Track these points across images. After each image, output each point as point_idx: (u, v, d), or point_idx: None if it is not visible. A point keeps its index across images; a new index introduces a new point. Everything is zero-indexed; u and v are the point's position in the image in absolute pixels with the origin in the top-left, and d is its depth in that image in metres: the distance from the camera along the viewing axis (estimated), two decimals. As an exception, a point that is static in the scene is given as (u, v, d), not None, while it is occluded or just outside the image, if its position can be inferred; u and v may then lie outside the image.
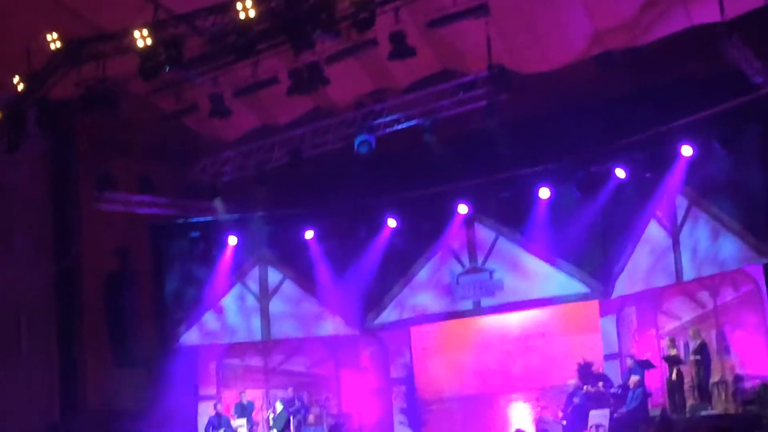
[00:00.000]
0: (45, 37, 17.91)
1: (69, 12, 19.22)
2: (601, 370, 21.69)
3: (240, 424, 22.91)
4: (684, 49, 19.58)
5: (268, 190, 23.58)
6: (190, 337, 24.75)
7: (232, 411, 23.29)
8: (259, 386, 25.10)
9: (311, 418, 23.19)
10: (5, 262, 21.52)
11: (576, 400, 20.63)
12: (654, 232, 21.31)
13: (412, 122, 21.07)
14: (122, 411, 22.57)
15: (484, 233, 23.68)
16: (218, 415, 22.95)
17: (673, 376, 19.94)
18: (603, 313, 22.56)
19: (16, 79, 18.66)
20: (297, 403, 23.53)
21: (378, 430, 23.72)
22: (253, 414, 23.56)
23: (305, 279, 24.89)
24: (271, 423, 22.86)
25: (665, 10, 18.92)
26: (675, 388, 19.94)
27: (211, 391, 24.79)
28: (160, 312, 24.77)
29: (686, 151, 19.94)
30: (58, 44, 17.92)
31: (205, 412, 23.79)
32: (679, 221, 20.91)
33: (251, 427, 23.09)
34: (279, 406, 22.95)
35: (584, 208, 21.73)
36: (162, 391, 23.40)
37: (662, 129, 19.87)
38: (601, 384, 20.69)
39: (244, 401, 23.38)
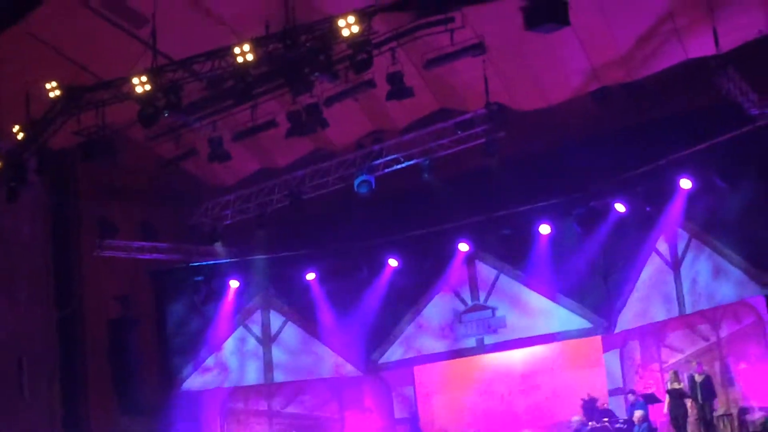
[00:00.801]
0: (44, 85, 17.98)
1: (67, 60, 19.33)
2: (605, 406, 21.61)
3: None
4: (680, 82, 19.69)
5: (268, 232, 23.64)
6: (194, 381, 24.67)
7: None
8: (263, 430, 25.00)
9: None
10: (7, 309, 21.49)
11: (582, 436, 20.58)
12: (655, 265, 21.33)
13: (412, 162, 21.20)
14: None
15: (485, 271, 23.69)
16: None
17: (678, 410, 19.85)
18: (606, 348, 22.52)
19: (16, 127, 18.73)
20: (302, 446, 23.49)
21: (384, 471, 23.62)
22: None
23: (307, 320, 24.86)
24: None
25: (660, 44, 19.01)
26: (680, 421, 19.86)
27: (216, 435, 24.72)
28: (163, 357, 24.72)
29: (685, 184, 20.00)
30: (58, 92, 17.99)
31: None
32: (679, 254, 20.93)
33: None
34: None
35: (585, 244, 21.76)
36: (167, 436, 23.32)
37: (661, 163, 19.93)
38: (606, 419, 20.62)
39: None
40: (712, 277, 20.27)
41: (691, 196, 20.19)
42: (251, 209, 23.25)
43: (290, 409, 25.28)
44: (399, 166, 21.31)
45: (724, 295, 20.13)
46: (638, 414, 19.86)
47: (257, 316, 25.15)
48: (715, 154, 19.18)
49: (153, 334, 24.63)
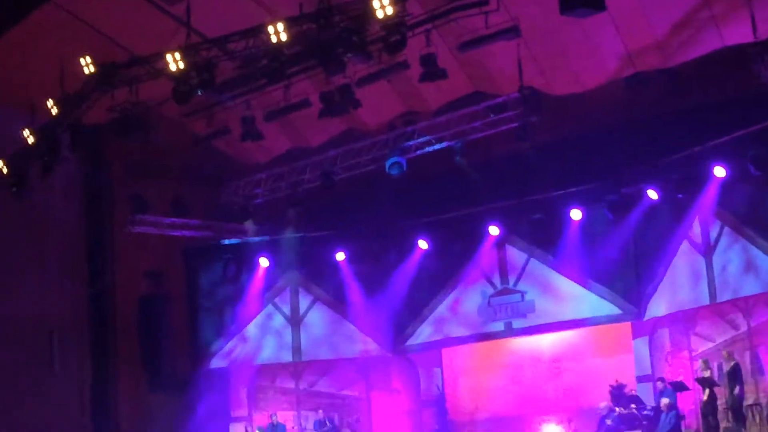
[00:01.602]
0: (78, 61, 18.04)
1: (101, 36, 19.42)
2: (633, 392, 21.54)
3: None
4: (716, 69, 19.50)
5: (299, 211, 23.68)
6: (222, 358, 24.83)
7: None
8: (290, 408, 25.09)
9: (342, 440, 23.20)
10: (39, 283, 21.67)
11: (609, 422, 20.52)
12: (687, 253, 21.19)
13: (444, 144, 21.11)
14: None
15: (515, 255, 23.64)
16: (249, 436, 23.01)
17: (707, 398, 19.76)
18: (636, 334, 22.43)
19: (50, 103, 18.82)
20: (328, 425, 23.58)
21: (409, 452, 23.68)
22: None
23: (336, 300, 24.92)
24: None
25: (697, 30, 18.86)
26: (708, 410, 19.75)
27: (243, 413, 24.84)
28: (193, 334, 24.87)
29: (719, 172, 19.82)
30: (92, 68, 18.04)
31: (237, 433, 23.86)
32: (712, 242, 20.78)
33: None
34: None
35: (616, 230, 21.65)
36: (194, 413, 23.43)
37: (695, 150, 19.78)
38: (633, 406, 20.57)
39: (275, 423, 23.34)
40: (744, 266, 20.12)
41: (725, 184, 20.01)
42: (282, 188, 23.28)
43: (317, 388, 25.36)
44: (431, 149, 21.25)
45: (756, 284, 19.96)
46: (665, 401, 19.79)
47: (286, 294, 25.23)
48: (751, 142, 19.01)
49: (183, 311, 24.78)
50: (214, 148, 22.16)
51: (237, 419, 24.52)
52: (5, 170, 19.90)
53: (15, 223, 21.33)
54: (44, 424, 20.97)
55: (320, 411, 24.25)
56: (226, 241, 24.67)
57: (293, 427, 24.06)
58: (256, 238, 24.61)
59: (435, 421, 24.53)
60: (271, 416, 23.67)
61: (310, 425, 24.33)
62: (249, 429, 23.23)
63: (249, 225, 24.26)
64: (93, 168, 23.06)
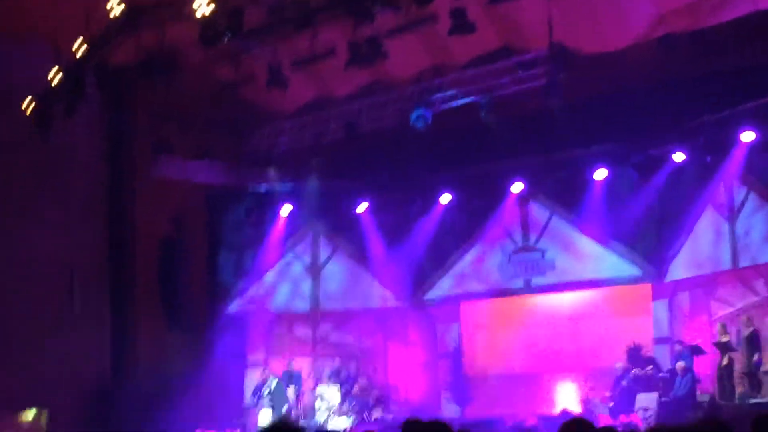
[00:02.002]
0: (105, 3, 17.99)
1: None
2: (650, 354, 21.55)
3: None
4: (748, 33, 19.28)
5: (323, 161, 23.67)
6: (241, 303, 24.95)
7: (269, 378, 23.36)
8: (307, 356, 25.22)
9: (357, 389, 23.28)
10: (61, 223, 21.75)
11: (624, 383, 20.56)
12: (710, 217, 21.09)
13: (470, 99, 20.99)
14: (172, 372, 22.78)
15: (538, 212, 23.59)
16: (265, 381, 23.07)
17: (724, 362, 19.76)
18: (655, 296, 22.40)
19: (76, 44, 18.79)
20: (343, 374, 23.66)
21: (424, 403, 23.72)
22: (301, 383, 23.66)
23: (357, 251, 24.95)
24: (265, 401, 22.64)
25: (730, -7, 18.66)
26: (725, 375, 19.77)
27: (259, 358, 24.97)
28: (212, 278, 24.97)
29: (747, 136, 19.67)
30: (119, 10, 17.99)
31: (253, 378, 23.94)
32: (736, 207, 20.66)
33: (298, 395, 23.18)
34: (273, 381, 22.81)
35: (640, 191, 21.56)
36: (211, 356, 23.59)
37: (723, 114, 19.62)
38: (650, 368, 20.59)
39: (292, 370, 23.46)
40: (767, 232, 20.03)
41: (753, 149, 19.88)
42: (307, 137, 23.24)
43: (334, 338, 25.48)
44: (457, 103, 21.14)
45: (780, 250, 19.93)
46: (681, 365, 19.79)
47: (307, 243, 25.30)
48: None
49: (203, 256, 24.85)
50: (239, 95, 22.11)
51: (253, 364, 24.65)
52: (29, 110, 19.93)
53: (38, 163, 21.38)
54: (63, 361, 21.14)
55: (336, 360, 24.37)
56: (249, 188, 24.68)
57: (309, 375, 24.17)
58: (279, 186, 24.61)
59: (450, 374, 24.64)
60: (287, 363, 23.77)
61: (326, 374, 24.44)
62: (265, 374, 23.31)
63: (272, 173, 24.26)
64: (117, 110, 23.04)
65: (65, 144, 21.37)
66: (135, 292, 23.54)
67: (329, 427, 21.62)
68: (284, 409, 22.15)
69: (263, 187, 24.60)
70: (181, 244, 24.14)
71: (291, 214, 24.73)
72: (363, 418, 22.21)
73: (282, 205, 24.61)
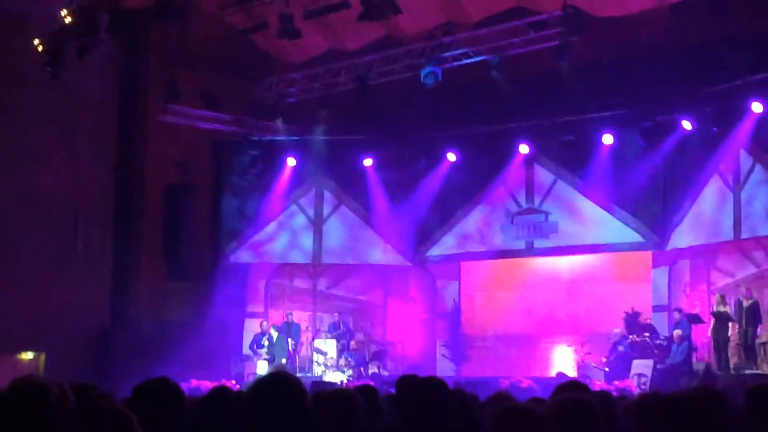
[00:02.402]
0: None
1: None
2: (648, 321, 21.62)
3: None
4: (763, 2, 19.17)
5: (331, 114, 23.59)
6: (242, 254, 24.96)
7: (270, 330, 23.45)
8: (306, 308, 25.30)
9: (354, 343, 23.39)
10: (68, 164, 21.75)
11: (621, 348, 20.63)
12: (715, 187, 21.07)
13: (481, 57, 20.88)
14: (171, 320, 22.84)
15: (543, 175, 23.58)
16: (264, 333, 23.16)
17: (721, 333, 19.81)
18: (656, 264, 22.44)
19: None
20: (342, 328, 23.76)
21: (420, 360, 23.83)
22: (300, 335, 23.75)
23: (360, 206, 24.95)
24: (265, 352, 22.74)
25: (747, -40, 18.52)
26: (721, 345, 19.84)
27: (259, 308, 25.03)
28: (215, 227, 24.98)
29: (756, 107, 19.60)
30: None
31: (252, 328, 24.03)
32: (741, 178, 20.63)
33: (296, 347, 23.28)
34: (275, 333, 22.86)
35: (647, 158, 21.52)
36: (211, 305, 23.63)
37: (734, 83, 19.54)
38: (647, 335, 20.65)
39: (291, 322, 23.53)
40: (772, 205, 20.04)
41: (761, 120, 19.81)
42: (316, 89, 23.17)
43: (334, 291, 25.55)
44: (468, 61, 21.04)
45: (782, 223, 19.92)
46: (678, 333, 19.86)
47: (311, 196, 25.27)
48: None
49: (207, 204, 24.86)
50: (250, 43, 21.98)
51: (253, 315, 24.71)
52: (41, 49, 19.85)
53: (48, 104, 21.35)
54: (63, 304, 21.21)
55: (336, 314, 24.45)
56: (255, 138, 24.64)
57: (308, 327, 24.27)
58: (286, 137, 24.57)
59: (447, 332, 24.73)
60: (286, 315, 23.85)
61: (324, 327, 24.55)
62: (264, 325, 23.40)
63: (279, 123, 24.20)
64: (129, 53, 22.98)
65: (76, 85, 21.32)
66: (138, 237, 23.58)
67: (325, 380, 21.71)
68: (283, 361, 22.23)
69: (270, 138, 24.54)
70: (187, 190, 24.13)
71: (296, 165, 24.69)
72: (359, 373, 22.31)
73: (288, 156, 24.57)
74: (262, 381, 4.45)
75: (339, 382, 20.98)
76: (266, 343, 22.63)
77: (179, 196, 23.96)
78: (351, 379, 21.90)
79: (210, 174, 24.97)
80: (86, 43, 19.07)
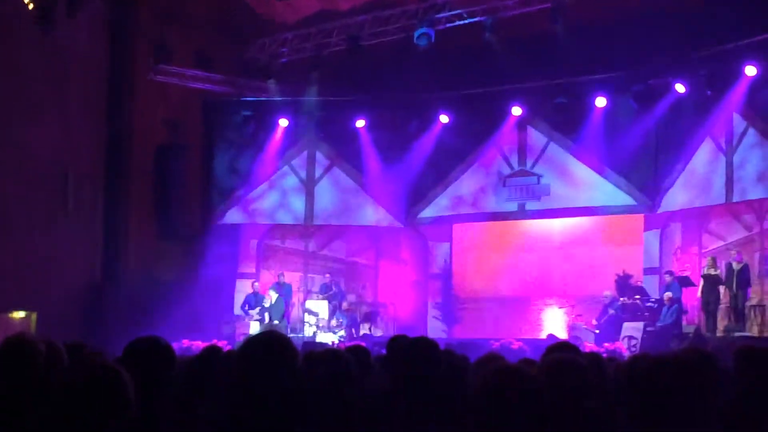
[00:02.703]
0: None
1: None
2: (639, 283, 21.69)
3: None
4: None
5: (323, 75, 23.48)
6: (234, 214, 24.93)
7: (269, 291, 23.50)
8: (298, 269, 25.32)
9: (346, 304, 23.42)
10: (58, 122, 21.59)
11: (611, 311, 20.70)
12: (707, 150, 21.08)
13: (474, 19, 20.80)
14: (162, 280, 22.83)
15: (535, 137, 23.56)
16: (255, 293, 23.18)
17: (711, 295, 19.87)
18: (647, 227, 22.50)
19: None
20: (333, 289, 23.78)
21: (411, 322, 23.89)
22: (291, 296, 23.75)
23: (352, 167, 24.91)
24: (256, 313, 22.73)
25: None
26: (711, 307, 19.90)
27: (250, 269, 25.05)
28: (206, 187, 24.92)
29: (749, 71, 19.57)
30: None
31: (243, 289, 24.05)
32: (734, 142, 20.63)
33: (287, 308, 23.27)
34: (274, 294, 22.86)
35: (639, 121, 21.51)
36: (202, 264, 23.62)
37: (728, 46, 19.49)
38: (637, 297, 20.72)
39: (282, 282, 23.53)
40: (764, 168, 20.02)
41: (755, 83, 19.78)
42: (308, 50, 23.07)
43: (326, 252, 25.58)
44: (461, 22, 20.96)
45: (775, 187, 19.94)
46: (669, 295, 19.92)
47: (303, 157, 25.21)
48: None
49: (198, 164, 24.78)
50: (243, 3, 21.87)
51: (244, 275, 24.74)
52: (31, 5, 19.68)
53: (37, 60, 21.17)
54: (55, 261, 21.16)
55: (327, 275, 24.47)
56: (247, 98, 24.54)
57: (299, 288, 24.30)
58: (278, 98, 24.49)
59: (439, 294, 24.79)
60: (278, 275, 23.86)
61: (315, 288, 24.58)
62: (256, 286, 23.42)
63: (271, 84, 24.11)
64: (119, 11, 22.79)
65: (66, 41, 21.16)
66: (129, 196, 23.47)
67: (317, 341, 21.75)
68: (278, 323, 22.24)
69: (261, 98, 24.44)
70: (177, 150, 24.01)
71: (288, 126, 24.62)
72: (351, 334, 22.37)
73: (280, 117, 24.48)
74: (253, 340, 4.44)
75: (330, 343, 21.01)
76: (267, 303, 22.59)
77: (170, 155, 23.83)
78: (342, 340, 21.94)
79: (201, 134, 24.88)
80: (77, 1, 18.91)
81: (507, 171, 23.89)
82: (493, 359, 5.45)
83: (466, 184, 24.34)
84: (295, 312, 23.85)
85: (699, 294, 20.09)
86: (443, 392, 4.78)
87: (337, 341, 21.65)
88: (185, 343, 20.55)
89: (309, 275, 25.29)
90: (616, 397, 6.33)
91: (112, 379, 4.07)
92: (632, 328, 19.80)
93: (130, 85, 23.23)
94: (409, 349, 4.93)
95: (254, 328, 22.00)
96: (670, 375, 4.58)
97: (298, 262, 25.51)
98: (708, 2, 20.18)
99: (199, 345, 18.84)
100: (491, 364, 4.63)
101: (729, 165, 20.68)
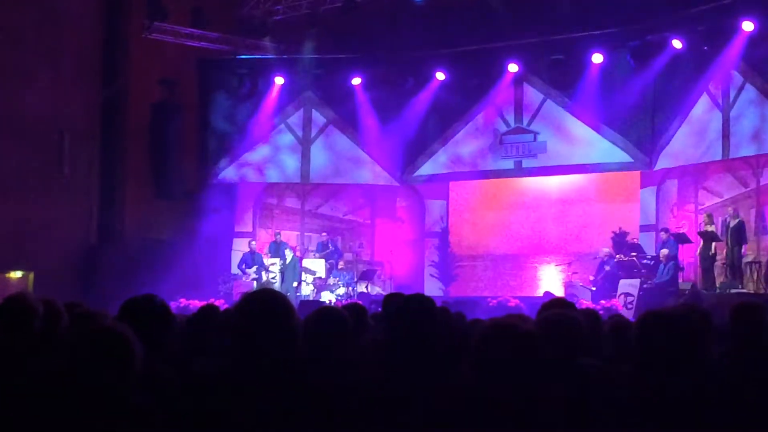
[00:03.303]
0: None
1: None
2: (635, 241, 21.72)
3: (273, 262, 23.13)
4: None
5: (318, 33, 23.39)
6: (230, 173, 24.89)
7: (265, 250, 23.54)
8: (295, 228, 25.34)
9: (342, 263, 23.45)
10: (52, 82, 21.53)
11: (607, 268, 20.73)
12: (704, 106, 21.01)
13: (470, -25, 20.68)
14: (159, 240, 22.85)
15: (532, 94, 23.46)
16: (252, 252, 23.20)
17: (708, 252, 19.90)
18: (644, 184, 22.49)
19: None
20: (330, 248, 23.80)
21: (408, 280, 23.91)
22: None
23: (349, 125, 24.83)
24: (253, 271, 22.81)
25: None
26: (708, 264, 19.94)
27: (247, 228, 25.06)
28: (202, 146, 24.86)
29: (747, 26, 19.47)
30: None
31: (240, 248, 24.06)
32: (731, 98, 20.57)
33: (283, 267, 23.28)
34: (289, 254, 22.90)
35: (636, 77, 21.42)
36: (198, 224, 23.61)
37: (726, 2, 19.40)
38: (634, 254, 20.73)
39: (279, 241, 23.54)
40: (760, 124, 19.97)
41: (752, 39, 19.68)
42: (303, 6, 22.96)
43: (322, 210, 25.57)
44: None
45: (770, 143, 19.93)
46: (665, 252, 19.94)
47: (299, 115, 25.13)
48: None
49: (194, 122, 24.69)
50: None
51: (241, 234, 24.74)
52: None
53: (30, 22, 21.09)
54: (51, 222, 21.17)
55: (324, 233, 24.48)
56: (243, 56, 24.44)
57: (296, 247, 24.31)
58: (273, 56, 24.39)
59: (436, 252, 24.82)
60: (275, 234, 23.87)
61: (312, 246, 24.61)
62: (253, 244, 23.44)
63: (267, 42, 24.01)
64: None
65: (59, 2, 21.05)
66: (125, 156, 23.45)
67: (314, 299, 21.81)
68: (295, 285, 22.32)
69: (257, 56, 24.34)
70: (173, 108, 23.95)
71: (284, 84, 24.53)
72: (348, 293, 22.41)
73: (276, 75, 24.38)
74: (249, 298, 4.45)
75: (327, 302, 21.06)
76: (280, 264, 22.64)
77: (166, 114, 23.77)
78: (340, 298, 22.00)
79: (197, 93, 24.78)
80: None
81: (503, 128, 23.82)
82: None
83: (463, 141, 24.27)
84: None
85: (698, 252, 20.10)
86: (439, 346, 4.80)
87: (334, 300, 21.71)
88: (183, 302, 20.63)
89: (306, 234, 25.30)
90: (615, 353, 6.36)
91: (120, 339, 4.07)
92: (629, 285, 19.83)
93: (125, 44, 23.13)
94: (405, 305, 4.94)
95: (254, 287, 22.05)
96: (663, 331, 4.60)
97: (295, 220, 25.51)
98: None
99: (196, 304, 18.89)
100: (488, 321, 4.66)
101: (726, 121, 20.62)
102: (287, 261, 22.68)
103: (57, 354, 4.08)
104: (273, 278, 22.47)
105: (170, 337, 5.41)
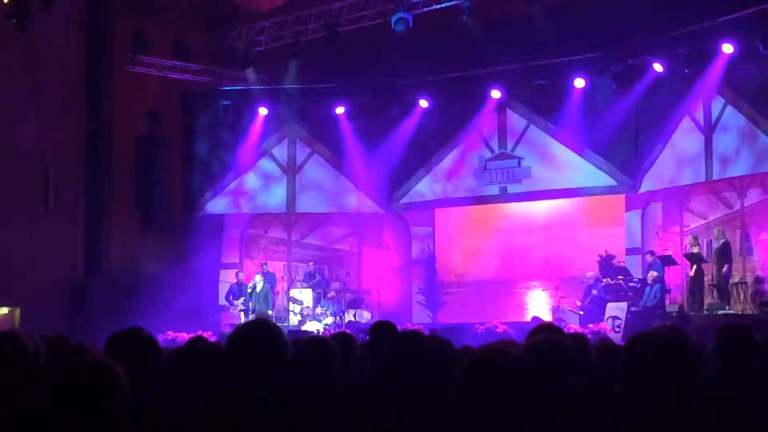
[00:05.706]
0: None
1: None
2: (622, 264, 21.74)
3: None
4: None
5: (301, 62, 23.45)
6: (215, 205, 24.88)
7: (255, 276, 23.46)
8: (281, 258, 25.31)
9: (331, 292, 23.42)
10: (36, 117, 21.53)
11: (595, 291, 20.75)
12: (687, 129, 21.12)
13: (452, 2, 20.77)
14: (145, 273, 22.77)
15: (515, 120, 23.55)
16: (239, 283, 23.15)
17: (694, 274, 19.95)
18: (629, 207, 22.55)
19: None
20: (317, 277, 23.76)
21: (396, 308, 23.88)
22: (275, 285, 23.72)
23: (333, 154, 24.88)
24: (241, 303, 22.76)
25: None
26: (694, 286, 19.99)
27: (234, 259, 25.03)
28: (187, 178, 24.85)
29: (727, 48, 19.59)
30: None
31: (227, 279, 24.02)
32: (713, 120, 20.69)
33: (247, 298, 23.07)
34: (259, 280, 22.80)
35: (618, 101, 21.50)
36: (185, 256, 23.57)
37: (705, 25, 19.52)
38: (621, 277, 20.76)
39: (266, 272, 23.48)
40: (743, 145, 20.09)
41: (732, 61, 19.80)
42: (286, 37, 23.02)
43: (309, 240, 25.56)
44: (438, 6, 20.92)
45: (754, 164, 19.99)
46: (652, 274, 19.98)
47: (283, 145, 25.17)
48: (762, 20, 18.73)
49: (178, 155, 24.69)
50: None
51: (228, 266, 24.71)
52: (6, 0, 19.58)
53: (14, 56, 21.10)
54: (38, 255, 21.11)
55: (311, 263, 24.46)
56: (226, 88, 24.47)
57: (283, 277, 24.28)
58: (257, 87, 24.43)
59: (423, 280, 24.80)
60: (261, 265, 23.82)
61: (300, 276, 24.58)
62: (240, 276, 23.39)
63: (250, 73, 24.06)
64: (96, 1, 22.70)
65: (43, 36, 21.06)
66: (110, 189, 23.42)
67: (302, 329, 21.75)
68: (270, 313, 22.20)
69: (240, 87, 24.38)
70: (158, 141, 23.96)
71: (268, 115, 24.55)
72: (336, 322, 22.36)
73: (259, 105, 24.41)
74: (243, 328, 4.44)
75: (315, 331, 21.01)
76: (250, 290, 22.54)
77: (150, 147, 23.77)
78: (327, 327, 21.94)
79: (181, 125, 24.78)
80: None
81: (488, 155, 23.87)
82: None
83: (448, 168, 24.32)
84: (279, 301, 23.82)
85: (692, 273, 20.11)
86: (428, 375, 4.78)
87: (322, 329, 21.65)
88: (170, 334, 20.53)
89: (293, 264, 25.28)
90: (603, 378, 6.36)
91: (107, 374, 4.04)
92: (616, 309, 19.85)
93: (108, 77, 23.16)
94: (395, 339, 4.93)
95: (242, 319, 21.97)
96: (645, 353, 4.62)
97: (282, 250, 25.49)
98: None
99: (184, 337, 18.82)
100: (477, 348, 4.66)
101: (708, 143, 20.74)
102: (257, 290, 22.54)
103: (41, 390, 4.03)
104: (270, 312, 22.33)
105: (158, 369, 5.39)
